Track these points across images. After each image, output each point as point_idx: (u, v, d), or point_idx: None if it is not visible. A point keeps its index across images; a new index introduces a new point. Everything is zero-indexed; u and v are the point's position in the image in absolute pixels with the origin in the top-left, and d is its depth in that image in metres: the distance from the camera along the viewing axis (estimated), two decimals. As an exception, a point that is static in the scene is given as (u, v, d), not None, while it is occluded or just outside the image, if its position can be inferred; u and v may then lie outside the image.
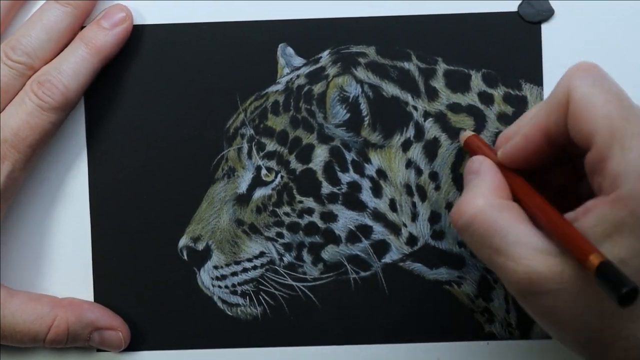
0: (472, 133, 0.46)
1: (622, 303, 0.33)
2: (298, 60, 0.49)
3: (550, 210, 0.38)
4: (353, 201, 0.49)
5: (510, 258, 0.38)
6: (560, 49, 0.49)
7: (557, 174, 0.43)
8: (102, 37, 0.47)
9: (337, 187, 0.49)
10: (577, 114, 0.37)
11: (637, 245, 0.35)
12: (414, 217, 0.49)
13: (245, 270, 0.49)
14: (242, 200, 0.49)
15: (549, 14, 0.49)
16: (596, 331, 0.37)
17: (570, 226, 0.37)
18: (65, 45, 0.48)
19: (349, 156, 0.49)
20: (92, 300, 0.50)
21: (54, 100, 0.46)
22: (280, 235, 0.49)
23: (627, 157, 0.35)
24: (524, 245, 0.37)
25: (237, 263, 0.49)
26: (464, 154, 0.48)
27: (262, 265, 0.49)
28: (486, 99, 0.49)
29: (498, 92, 0.49)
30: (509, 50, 0.49)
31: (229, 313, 0.50)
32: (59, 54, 0.48)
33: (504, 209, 0.39)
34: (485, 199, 0.40)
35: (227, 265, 0.49)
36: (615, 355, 0.37)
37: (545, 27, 0.49)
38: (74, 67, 0.47)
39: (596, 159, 0.37)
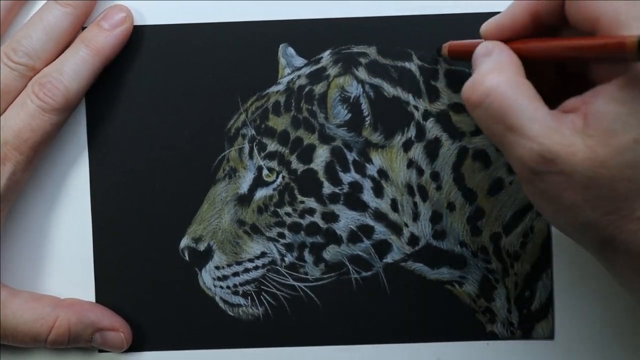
0: (451, 42, 0.46)
1: None
2: (299, 61, 0.49)
3: (570, 39, 0.38)
4: (354, 201, 0.49)
5: (524, 135, 0.37)
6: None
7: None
8: (102, 38, 0.47)
9: (339, 187, 0.49)
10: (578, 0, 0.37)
11: None
12: (416, 217, 0.49)
13: (246, 270, 0.49)
14: (244, 200, 0.49)
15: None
16: (606, 213, 0.37)
17: (597, 36, 0.36)
18: (66, 46, 0.48)
19: (350, 156, 0.49)
20: (94, 301, 0.50)
21: (55, 101, 0.46)
22: (281, 235, 0.49)
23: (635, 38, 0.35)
24: (539, 123, 0.37)
25: (239, 263, 0.49)
26: (463, 152, 0.48)
27: (264, 266, 0.49)
28: (487, 98, 0.49)
29: (499, 92, 0.49)
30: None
31: (231, 313, 0.50)
32: (59, 54, 0.48)
33: (520, 86, 0.38)
34: (501, 74, 0.39)
35: (229, 265, 0.49)
36: (622, 239, 0.37)
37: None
38: (74, 68, 0.47)
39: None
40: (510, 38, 0.41)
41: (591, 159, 0.36)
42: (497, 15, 0.41)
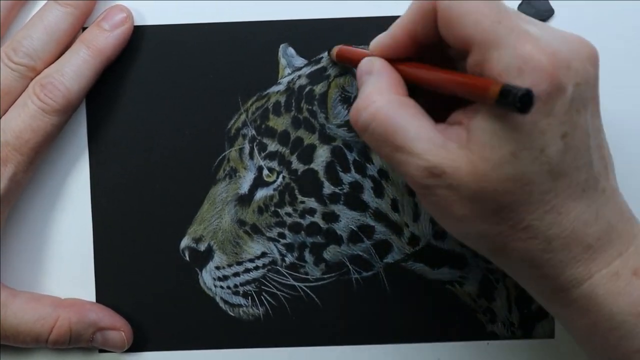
0: (341, 46, 0.47)
1: (523, 110, 0.34)
2: (299, 61, 0.49)
3: (444, 71, 0.38)
4: (355, 201, 0.49)
5: (411, 153, 0.38)
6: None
7: (430, 58, 0.42)
8: (103, 38, 0.47)
9: (339, 187, 0.49)
10: (448, 23, 0.38)
11: (524, 139, 0.36)
12: (416, 217, 0.49)
13: (247, 270, 0.49)
14: (244, 200, 0.49)
15: (548, 13, 0.48)
16: (495, 224, 0.38)
17: (468, 75, 0.37)
18: (67, 46, 0.48)
19: (351, 156, 0.49)
20: (94, 301, 0.50)
21: (56, 102, 0.46)
22: (282, 235, 0.49)
23: (504, 56, 0.36)
24: (425, 140, 0.38)
25: (239, 263, 0.49)
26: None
27: (264, 266, 0.49)
28: (488, 98, 0.49)
29: (499, 92, 0.49)
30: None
31: (231, 313, 0.50)
32: (60, 55, 0.48)
33: (403, 105, 0.39)
34: (383, 96, 0.39)
35: (229, 265, 0.49)
36: (513, 247, 0.38)
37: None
38: (75, 69, 0.47)
39: (476, 63, 0.37)
40: (394, 57, 0.41)
41: (474, 173, 0.37)
42: (382, 34, 0.42)
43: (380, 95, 0.39)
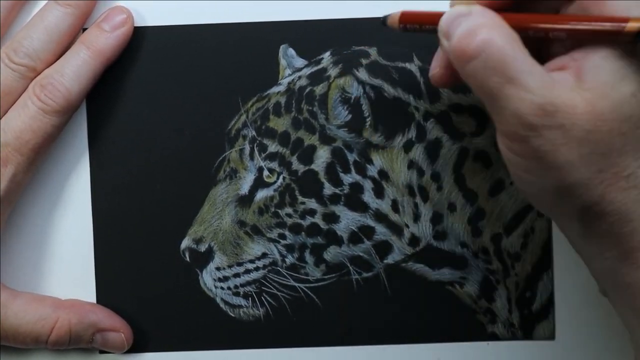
0: (401, 10, 0.42)
1: None
2: (300, 62, 0.49)
3: (561, 15, 0.38)
4: (355, 202, 0.49)
5: (525, 87, 0.36)
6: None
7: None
8: (103, 39, 0.47)
9: (339, 188, 0.49)
10: None
11: None
12: (416, 217, 0.49)
13: (247, 271, 0.49)
14: (244, 201, 0.49)
15: (550, 14, 0.48)
16: (599, 170, 0.36)
17: (592, 15, 0.36)
18: (67, 47, 0.48)
19: (351, 157, 0.49)
20: (95, 302, 0.50)
21: (57, 103, 0.46)
22: (282, 236, 0.49)
23: None
24: (539, 76, 0.36)
25: (240, 264, 0.49)
26: (464, 153, 0.48)
27: (265, 267, 0.49)
28: (488, 99, 0.49)
29: (500, 93, 0.49)
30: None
31: (232, 314, 0.50)
32: (60, 55, 0.48)
33: (516, 39, 0.37)
34: (496, 25, 0.37)
35: (230, 266, 0.49)
36: (613, 197, 0.37)
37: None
38: (75, 70, 0.47)
39: (595, 1, 0.36)
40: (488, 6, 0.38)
41: (590, 112, 0.36)
42: None
43: (495, 22, 0.37)
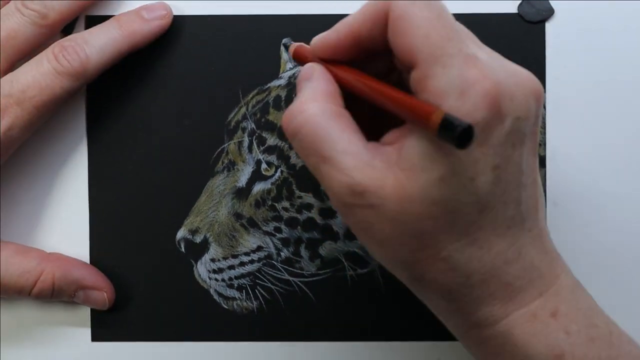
0: (299, 43, 0.44)
1: (460, 145, 0.32)
2: (301, 56, 0.49)
3: (387, 87, 0.37)
4: (352, 198, 0.49)
5: (336, 167, 0.36)
6: (562, 52, 0.49)
7: (376, 65, 0.41)
8: (139, 24, 0.47)
9: (337, 184, 0.49)
10: (398, 32, 0.36)
11: (456, 164, 0.35)
12: (413, 215, 0.49)
13: (242, 264, 0.49)
14: (242, 194, 0.49)
15: (548, 13, 0.49)
16: (415, 251, 0.37)
17: (408, 96, 0.36)
18: (83, 5, 0.48)
19: (349, 153, 0.49)
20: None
21: (72, 66, 0.45)
22: (278, 230, 0.49)
23: (448, 75, 0.35)
24: (352, 156, 0.36)
25: (235, 257, 0.49)
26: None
27: (260, 260, 0.49)
28: (488, 99, 0.49)
29: (500, 93, 0.49)
30: (512, 52, 0.49)
31: (225, 306, 0.50)
32: (76, 10, 0.47)
33: (335, 116, 0.37)
34: (316, 104, 0.38)
35: (225, 258, 0.49)
36: (430, 277, 0.37)
37: (547, 31, 0.49)
38: (102, 43, 0.46)
39: (420, 77, 0.36)
40: (335, 56, 0.40)
41: (399, 194, 0.35)
42: (326, 31, 0.40)
43: (315, 103, 0.38)
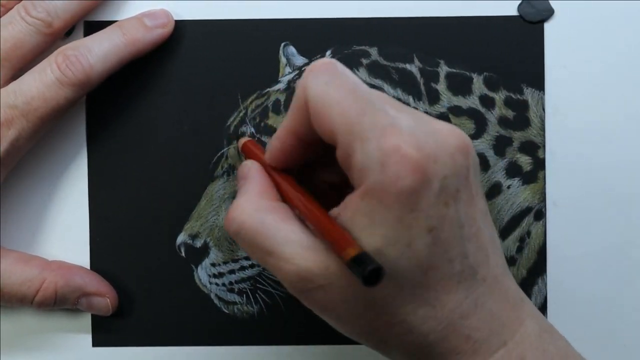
0: (247, 139, 0.46)
1: (367, 283, 0.33)
2: (300, 60, 0.49)
3: (313, 208, 0.38)
4: (352, 201, 0.49)
5: (280, 258, 0.37)
6: (562, 52, 0.49)
7: (329, 171, 0.42)
8: (142, 31, 0.47)
9: (336, 187, 0.49)
10: (317, 115, 0.37)
11: (390, 234, 0.35)
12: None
13: (242, 268, 0.49)
14: (241, 198, 0.49)
15: (548, 13, 0.49)
16: (371, 320, 0.37)
17: (331, 222, 0.37)
18: (88, 9, 0.48)
19: (349, 156, 0.49)
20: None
21: (75, 76, 0.45)
22: (278, 234, 0.49)
23: (367, 149, 0.35)
24: (291, 244, 0.37)
25: (235, 261, 0.49)
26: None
27: (260, 264, 0.49)
28: (487, 102, 0.49)
29: (499, 96, 0.49)
30: (512, 54, 0.49)
31: (226, 311, 0.50)
32: (79, 18, 0.47)
33: (271, 211, 0.39)
34: (252, 203, 0.39)
35: (225, 263, 0.49)
36: (392, 342, 0.38)
37: (547, 31, 0.49)
38: (104, 50, 0.46)
39: (343, 156, 0.36)
40: (285, 159, 0.41)
41: (343, 271, 0.36)
42: (270, 140, 0.41)
43: (249, 203, 0.39)
